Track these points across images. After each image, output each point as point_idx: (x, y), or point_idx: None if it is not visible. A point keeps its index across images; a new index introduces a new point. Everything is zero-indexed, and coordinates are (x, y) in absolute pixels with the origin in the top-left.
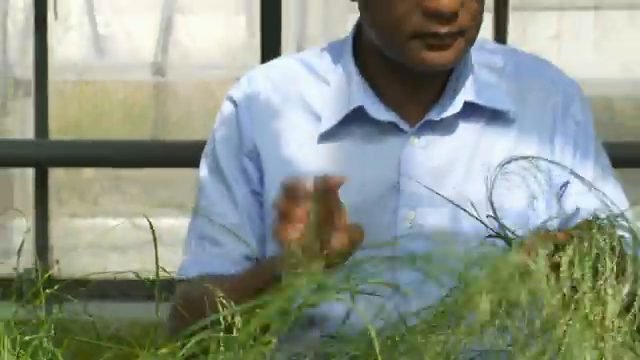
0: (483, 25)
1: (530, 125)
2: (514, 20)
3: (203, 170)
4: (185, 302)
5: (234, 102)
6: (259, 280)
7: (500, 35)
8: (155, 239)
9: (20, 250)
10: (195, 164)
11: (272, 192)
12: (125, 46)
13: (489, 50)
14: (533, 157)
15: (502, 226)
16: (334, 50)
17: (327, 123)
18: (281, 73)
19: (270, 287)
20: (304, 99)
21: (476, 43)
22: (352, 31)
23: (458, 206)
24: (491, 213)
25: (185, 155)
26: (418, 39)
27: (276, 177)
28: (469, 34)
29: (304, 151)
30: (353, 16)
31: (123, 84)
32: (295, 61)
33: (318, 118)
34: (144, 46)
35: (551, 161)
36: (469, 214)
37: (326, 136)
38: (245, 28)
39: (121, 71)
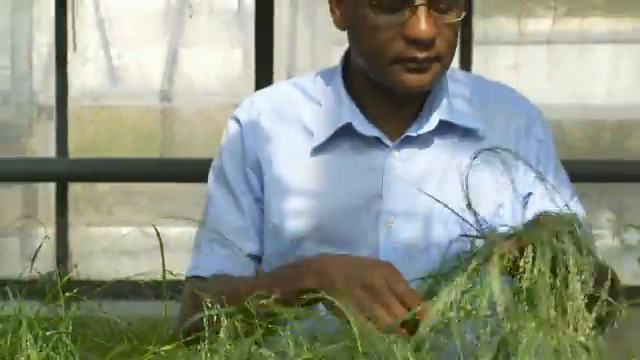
0: None
1: (497, 144)
2: (477, 53)
3: (211, 182)
4: (197, 299)
5: (238, 121)
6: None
7: (465, 65)
8: (162, 245)
9: (36, 254)
10: (197, 179)
11: (271, 201)
12: (136, 76)
13: (459, 80)
14: (502, 149)
15: (477, 220)
16: (325, 75)
17: (319, 138)
18: (279, 96)
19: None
20: (299, 118)
21: (449, 73)
22: (342, 58)
23: (440, 203)
24: (463, 219)
25: (188, 171)
26: (399, 64)
27: (274, 188)
28: (444, 60)
29: (299, 164)
30: (337, 49)
31: (134, 109)
32: (291, 86)
33: (311, 134)
34: (153, 76)
35: (525, 160)
36: (447, 207)
37: (318, 150)
38: (241, 61)
39: (132, 98)
